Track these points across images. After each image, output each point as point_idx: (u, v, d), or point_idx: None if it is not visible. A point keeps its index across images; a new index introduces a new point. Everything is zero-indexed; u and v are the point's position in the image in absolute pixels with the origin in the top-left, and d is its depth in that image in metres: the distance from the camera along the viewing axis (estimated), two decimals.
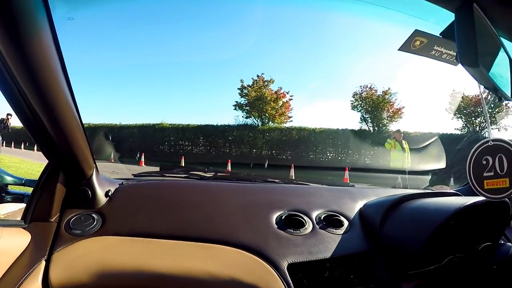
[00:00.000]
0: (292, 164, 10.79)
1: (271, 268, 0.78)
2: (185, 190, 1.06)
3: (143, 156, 12.16)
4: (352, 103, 17.65)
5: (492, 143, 0.61)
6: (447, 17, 0.53)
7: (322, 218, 0.95)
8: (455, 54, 0.59)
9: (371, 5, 0.59)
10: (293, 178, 1.24)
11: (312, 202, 1.02)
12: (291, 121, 17.90)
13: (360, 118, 17.53)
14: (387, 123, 16.73)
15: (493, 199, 0.62)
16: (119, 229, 0.85)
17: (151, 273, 0.76)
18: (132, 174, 1.23)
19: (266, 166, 13.15)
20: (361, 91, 17.54)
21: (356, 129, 16.68)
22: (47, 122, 0.69)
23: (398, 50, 0.60)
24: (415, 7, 0.54)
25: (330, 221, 0.94)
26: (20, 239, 0.77)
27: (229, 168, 10.39)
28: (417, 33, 0.58)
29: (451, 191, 1.12)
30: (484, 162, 0.62)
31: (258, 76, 17.85)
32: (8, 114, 9.88)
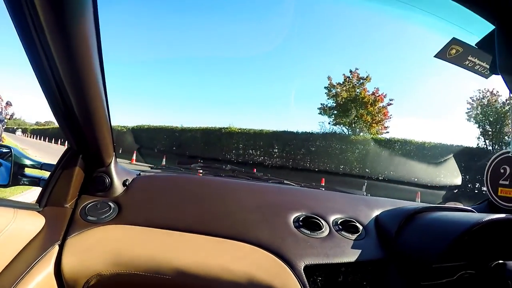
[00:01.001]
0: (419, 193, 8.35)
1: (287, 268, 0.77)
2: (203, 184, 1.06)
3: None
4: (468, 112, 13.50)
5: None
6: (483, 29, 0.54)
7: (338, 223, 0.94)
8: (487, 66, 0.60)
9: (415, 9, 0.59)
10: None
11: (328, 206, 1.02)
12: (387, 132, 14.43)
13: (480, 133, 13.01)
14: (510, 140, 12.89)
15: (505, 206, 0.64)
16: (135, 219, 0.84)
17: (165, 264, 0.76)
18: (150, 167, 1.23)
19: (364, 191, 10.56)
20: (481, 96, 13.09)
21: (473, 147, 12.31)
22: (76, 103, 0.69)
23: (434, 56, 0.61)
24: (455, 15, 0.55)
25: (346, 226, 0.93)
26: (34, 222, 0.77)
27: None
28: (454, 41, 0.59)
29: (466, 207, 1.11)
30: (502, 171, 0.65)
31: (351, 71, 14.36)
32: (7, 103, 9.64)
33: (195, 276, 0.75)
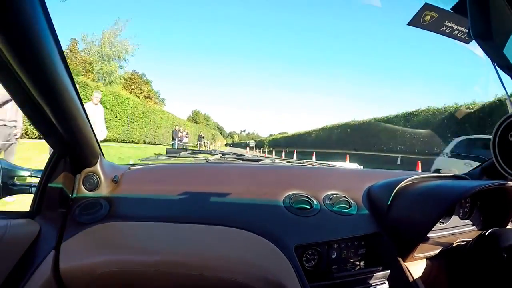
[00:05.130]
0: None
1: (278, 249, 0.78)
2: (192, 173, 1.06)
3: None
4: None
5: None
6: None
7: (330, 199, 0.95)
8: (466, 30, 0.56)
9: None
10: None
11: (320, 183, 1.02)
12: None
13: None
14: None
15: None
16: (126, 214, 0.85)
17: (159, 257, 0.77)
18: (139, 159, 1.23)
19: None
20: None
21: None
22: (51, 113, 0.67)
23: (407, 24, 0.57)
24: None
25: (338, 202, 0.94)
26: (29, 230, 0.77)
27: None
28: (427, 6, 0.55)
29: (460, 174, 1.10)
30: (511, 138, 0.55)
31: None
32: None
33: (188, 264, 0.77)
